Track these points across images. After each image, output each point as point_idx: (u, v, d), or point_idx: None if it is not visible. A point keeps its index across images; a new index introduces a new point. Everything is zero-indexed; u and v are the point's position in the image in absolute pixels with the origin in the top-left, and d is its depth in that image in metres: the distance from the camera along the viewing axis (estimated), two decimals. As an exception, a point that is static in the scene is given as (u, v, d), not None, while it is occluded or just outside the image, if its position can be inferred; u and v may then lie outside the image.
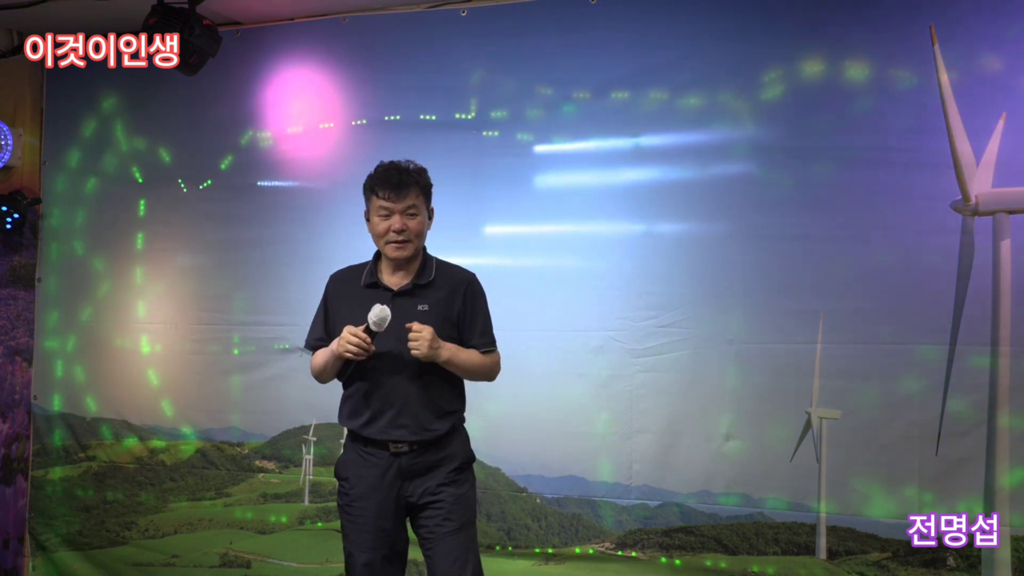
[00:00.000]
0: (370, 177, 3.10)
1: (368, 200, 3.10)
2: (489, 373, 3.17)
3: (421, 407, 3.03)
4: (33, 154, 5.30)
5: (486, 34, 4.44)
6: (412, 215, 3.04)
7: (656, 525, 4.13)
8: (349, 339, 2.93)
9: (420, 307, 3.04)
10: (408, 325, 2.95)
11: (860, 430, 3.85)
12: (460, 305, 3.09)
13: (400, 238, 3.02)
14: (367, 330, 2.93)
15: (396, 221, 3.02)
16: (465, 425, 3.21)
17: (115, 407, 5.16)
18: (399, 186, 3.02)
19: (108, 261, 5.20)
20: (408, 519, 3.12)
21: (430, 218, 3.15)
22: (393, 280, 3.10)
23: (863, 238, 3.86)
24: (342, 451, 3.24)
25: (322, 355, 3.12)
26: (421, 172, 3.11)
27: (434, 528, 3.01)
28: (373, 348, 2.96)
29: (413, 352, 2.94)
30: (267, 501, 4.83)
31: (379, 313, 2.91)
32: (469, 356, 3.07)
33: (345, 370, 3.05)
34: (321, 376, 3.18)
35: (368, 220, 3.12)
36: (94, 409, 5.20)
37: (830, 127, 3.91)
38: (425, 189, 3.10)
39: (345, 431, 3.24)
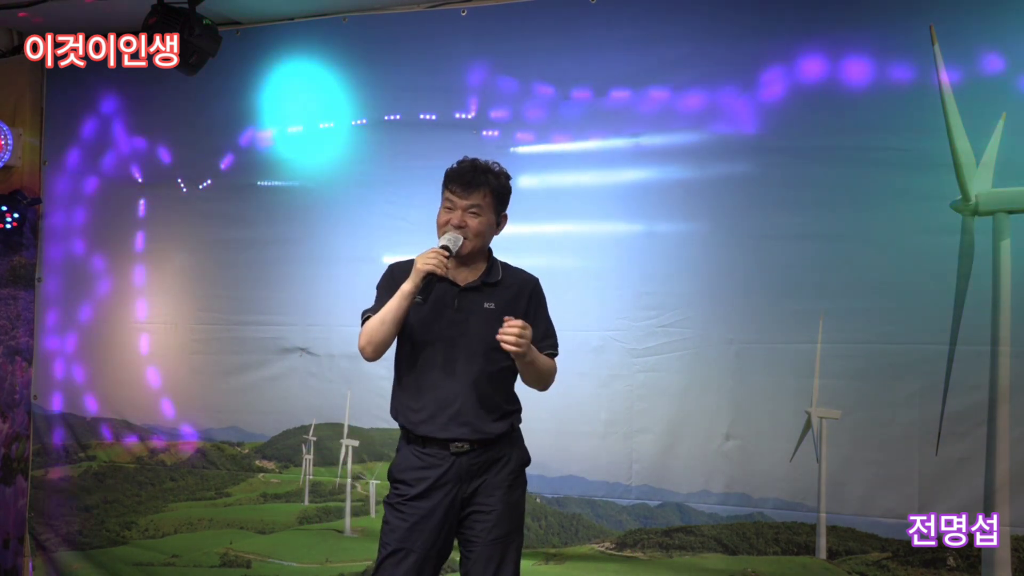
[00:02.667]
0: (448, 169, 3.05)
1: (442, 191, 3.05)
2: (549, 379, 3.09)
3: (481, 404, 2.95)
4: (33, 154, 5.29)
5: (486, 34, 4.44)
6: (474, 214, 2.97)
7: (656, 525, 4.13)
8: (430, 252, 2.86)
9: (487, 304, 2.99)
10: (506, 318, 2.84)
11: (860, 430, 3.84)
12: (525, 307, 3.03)
13: (457, 234, 2.96)
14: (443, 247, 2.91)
15: (456, 216, 2.97)
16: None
17: (115, 407, 5.16)
18: (468, 184, 2.97)
19: (108, 261, 5.20)
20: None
21: (499, 224, 3.08)
22: (458, 276, 3.03)
23: (863, 238, 3.86)
24: (396, 454, 3.09)
25: (381, 311, 2.96)
26: (500, 176, 3.04)
27: (480, 533, 2.95)
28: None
29: (505, 344, 2.81)
30: (267, 501, 4.83)
31: (453, 234, 2.91)
32: (543, 358, 3.01)
33: (417, 296, 2.91)
34: (378, 331, 2.93)
35: None
36: (94, 409, 5.21)
37: (830, 127, 3.90)
38: (498, 193, 3.02)
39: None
